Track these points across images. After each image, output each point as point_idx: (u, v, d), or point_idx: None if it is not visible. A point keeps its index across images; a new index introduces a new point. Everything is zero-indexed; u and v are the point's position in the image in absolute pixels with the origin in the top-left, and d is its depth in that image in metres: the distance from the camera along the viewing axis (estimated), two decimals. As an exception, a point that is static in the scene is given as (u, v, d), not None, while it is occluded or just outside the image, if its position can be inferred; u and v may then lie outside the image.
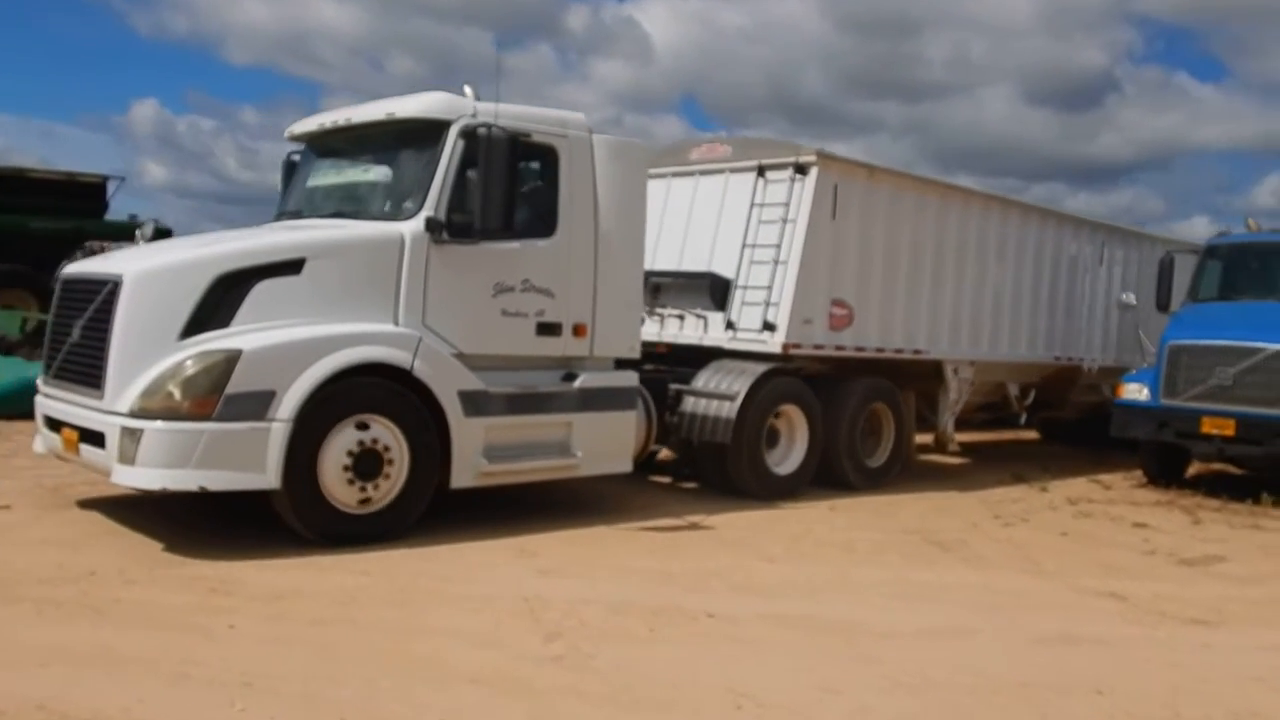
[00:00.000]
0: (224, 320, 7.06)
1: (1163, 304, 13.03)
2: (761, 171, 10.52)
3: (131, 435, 6.67)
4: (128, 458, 6.71)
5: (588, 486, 9.09)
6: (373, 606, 5.92)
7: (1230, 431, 11.20)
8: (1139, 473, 12.81)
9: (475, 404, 7.81)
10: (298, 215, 8.67)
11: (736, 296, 10.41)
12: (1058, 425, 16.14)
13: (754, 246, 10.39)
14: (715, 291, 10.54)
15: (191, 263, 7.13)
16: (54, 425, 7.57)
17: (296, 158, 9.33)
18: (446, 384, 7.64)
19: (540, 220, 8.23)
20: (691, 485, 10.49)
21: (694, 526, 8.56)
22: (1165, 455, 12.45)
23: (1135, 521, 9.78)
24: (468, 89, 8.63)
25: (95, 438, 6.99)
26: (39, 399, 7.89)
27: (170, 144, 71.78)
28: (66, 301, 7.58)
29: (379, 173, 8.38)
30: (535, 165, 8.20)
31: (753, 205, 10.48)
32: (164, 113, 71.83)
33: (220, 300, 7.06)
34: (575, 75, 72.93)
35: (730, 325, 10.38)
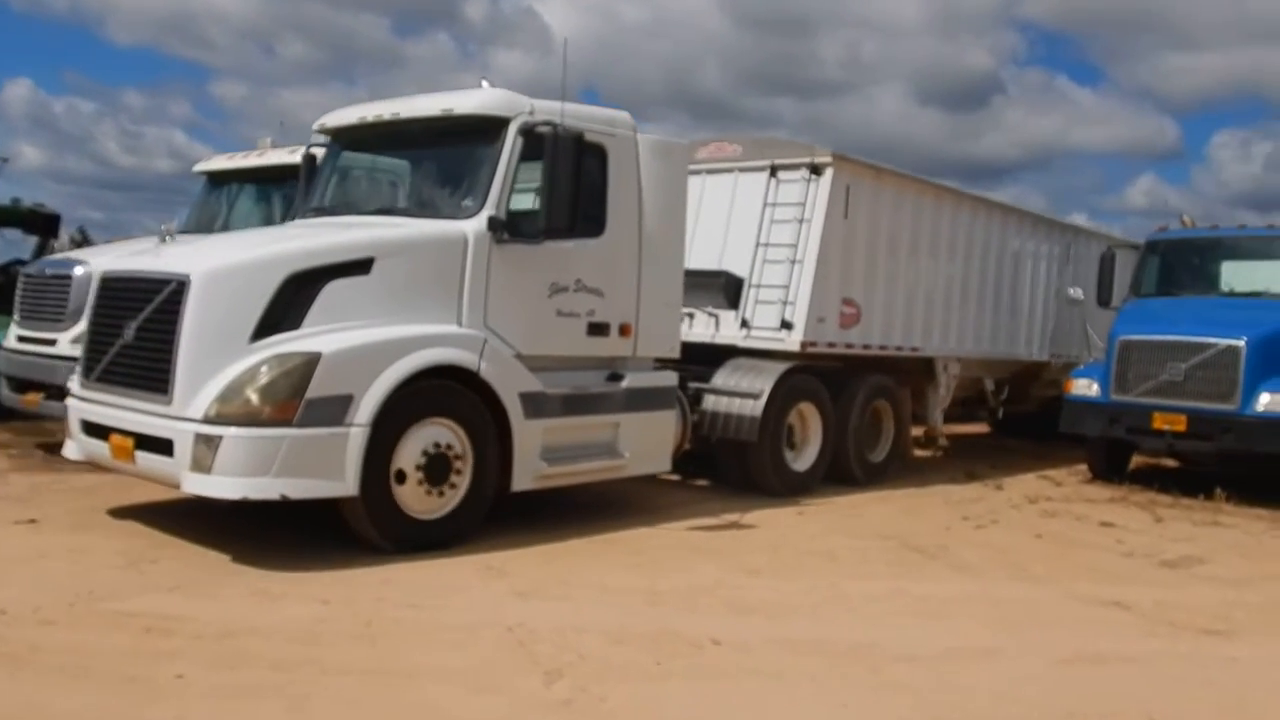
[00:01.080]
0: (295, 321, 6.84)
1: (1104, 299, 13.06)
2: (774, 171, 10.62)
3: (208, 442, 6.40)
4: (203, 466, 6.44)
5: (545, 491, 8.21)
6: (339, 643, 5.28)
7: (1181, 427, 11.15)
8: (1083, 467, 12.85)
9: (535, 405, 7.72)
10: (332, 212, 8.42)
11: (750, 295, 10.49)
12: (1009, 419, 16.68)
13: (767, 245, 10.49)
14: (729, 290, 10.60)
15: (262, 262, 6.87)
16: (97, 431, 7.21)
17: (318, 151, 9.06)
18: (509, 385, 7.54)
19: (591, 219, 8.16)
20: (662, 482, 10.02)
21: (665, 535, 8.13)
22: (1113, 451, 12.48)
23: (1102, 520, 9.72)
24: (485, 82, 8.55)
25: (158, 445, 6.68)
26: (74, 402, 7.50)
27: (46, 126, 68.47)
28: (111, 302, 7.20)
29: (431, 170, 8.19)
30: (587, 164, 8.11)
31: (765, 205, 10.57)
32: (39, 94, 68.50)
33: (291, 301, 6.83)
34: (475, 65, 72.41)
35: (745, 324, 10.46)
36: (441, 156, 8.19)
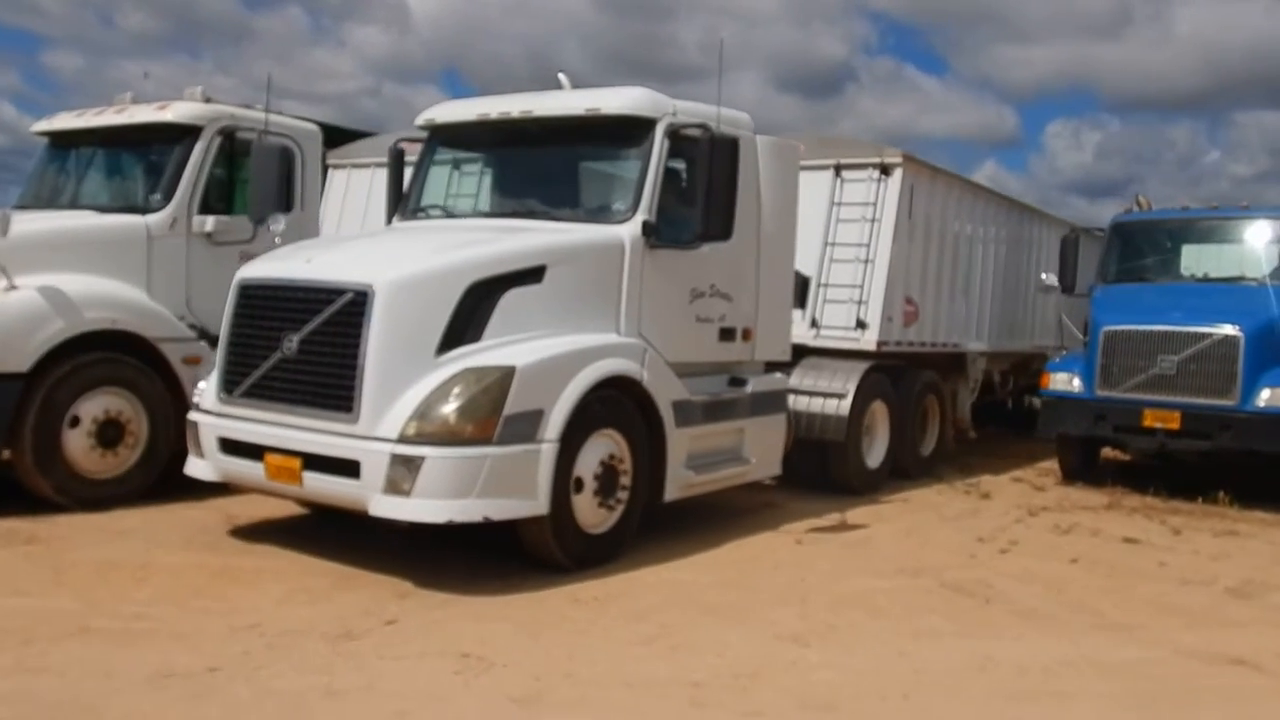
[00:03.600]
0: (476, 333, 6.54)
1: (1068, 285, 12.10)
2: (838, 170, 10.64)
3: (408, 464, 6.05)
4: (400, 488, 6.09)
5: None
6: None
7: (1175, 424, 10.33)
8: (1049, 464, 12.31)
9: (684, 414, 7.58)
10: (445, 213, 8.08)
11: (819, 294, 10.51)
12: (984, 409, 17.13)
13: (835, 245, 10.52)
14: (797, 289, 10.57)
15: (445, 271, 6.52)
16: (243, 450, 6.74)
17: (408, 145, 8.64)
18: (664, 394, 7.39)
19: (724, 223, 8.02)
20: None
21: (659, 585, 6.68)
22: (1088, 449, 11.77)
23: (1124, 537, 8.83)
24: (562, 76, 8.33)
25: (336, 465, 6.29)
26: (207, 418, 6.99)
27: None
28: (261, 312, 6.72)
29: (565, 172, 7.89)
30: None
31: (832, 204, 10.59)
32: None
33: (473, 311, 6.53)
34: (330, 40, 69.72)
35: (814, 323, 10.47)
36: (577, 157, 7.91)
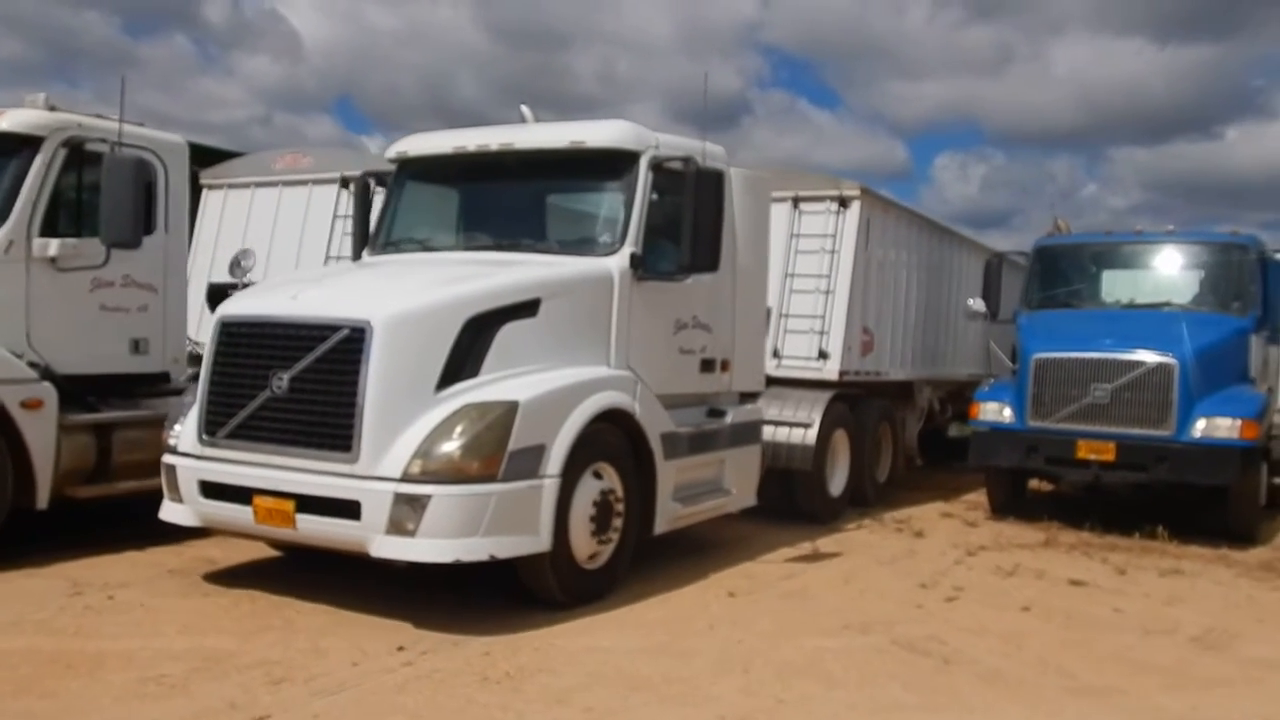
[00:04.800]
0: (474, 367, 6.43)
1: (993, 311, 11.75)
2: (796, 203, 10.78)
3: (413, 503, 5.90)
4: (404, 529, 5.93)
5: (368, 587, 6.73)
6: None
7: (1110, 456, 9.93)
8: (975, 496, 12.00)
9: (671, 445, 7.56)
10: (420, 247, 7.94)
11: (780, 325, 10.60)
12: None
13: (795, 275, 10.63)
14: (759, 320, 10.66)
15: (443, 305, 6.39)
16: (227, 494, 6.48)
17: (372, 179, 8.50)
18: (654, 426, 7.35)
19: (702, 255, 8.04)
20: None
21: (577, 653, 5.88)
22: (1019, 482, 11.52)
23: (1070, 578, 8.30)
24: (524, 108, 8.34)
25: (334, 507, 6.09)
26: (185, 461, 6.71)
27: None
28: (246, 350, 6.49)
29: (549, 205, 7.84)
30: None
31: (791, 235, 10.72)
32: None
33: (471, 345, 6.42)
34: (218, 69, 68.17)
35: (775, 353, 10.55)
36: (558, 190, 7.88)
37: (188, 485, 6.69)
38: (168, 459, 6.89)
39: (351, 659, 5.58)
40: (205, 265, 10.84)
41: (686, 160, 7.36)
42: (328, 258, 10.07)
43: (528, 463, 6.22)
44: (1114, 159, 70.79)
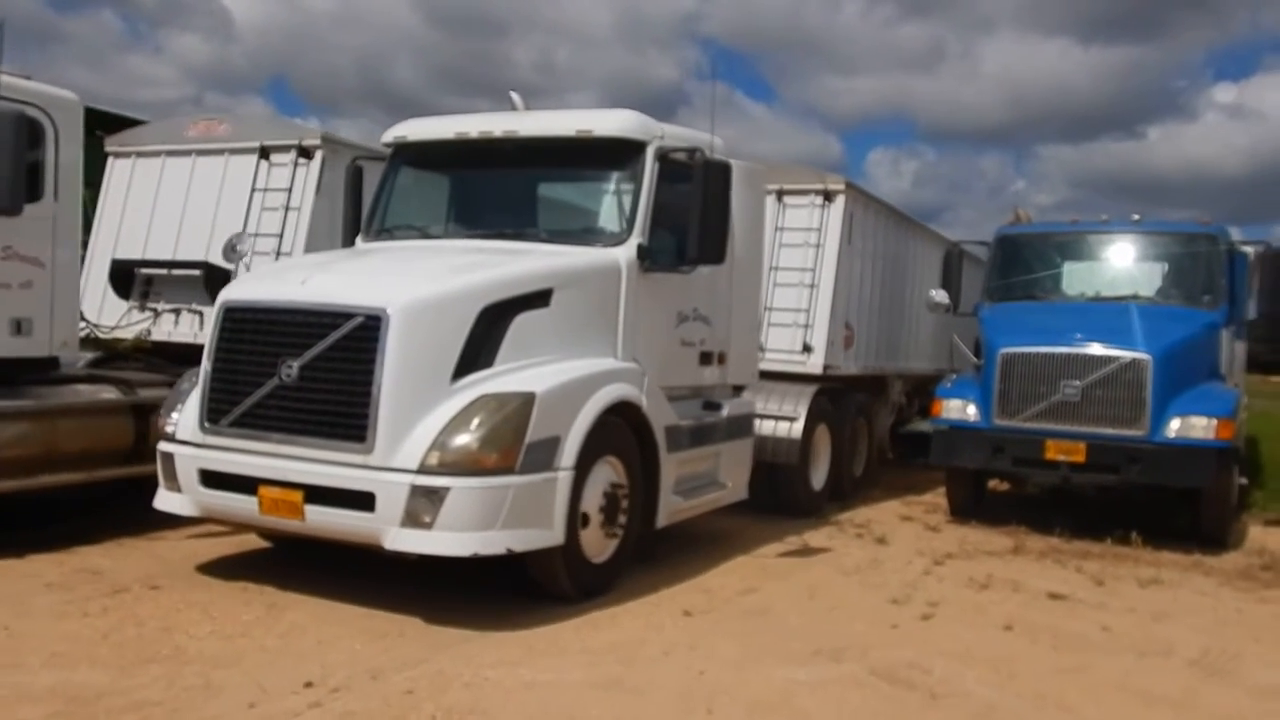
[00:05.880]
0: (489, 358, 6.33)
1: (955, 303, 11.41)
2: (780, 196, 10.78)
3: (430, 495, 5.79)
4: (421, 521, 5.82)
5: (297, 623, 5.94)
6: None
7: (1080, 457, 9.47)
8: (932, 498, 11.62)
9: (674, 439, 7.53)
10: (418, 233, 7.81)
11: (764, 318, 10.60)
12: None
13: (778, 269, 10.65)
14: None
15: (460, 294, 6.28)
16: (230, 483, 6.31)
17: (362, 164, 8.35)
18: (659, 419, 7.31)
19: (702, 247, 8.00)
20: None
21: (518, 691, 5.12)
22: (980, 483, 11.08)
23: (1048, 591, 7.75)
24: (515, 95, 8.26)
25: (345, 498, 5.96)
26: (184, 449, 6.52)
27: None
28: (252, 336, 6.31)
29: (555, 192, 7.74)
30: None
31: (776, 229, 10.72)
32: None
33: (485, 335, 6.32)
34: (147, 46, 66.39)
35: (759, 347, 10.54)
36: (562, 179, 7.79)
37: (187, 474, 6.51)
38: (165, 447, 6.69)
39: (249, 698, 4.80)
40: (110, 240, 10.04)
41: (694, 151, 7.31)
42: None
43: (544, 455, 6.15)
44: (1041, 156, 72.30)
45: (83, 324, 8.68)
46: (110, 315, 9.68)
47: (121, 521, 7.94)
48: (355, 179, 8.30)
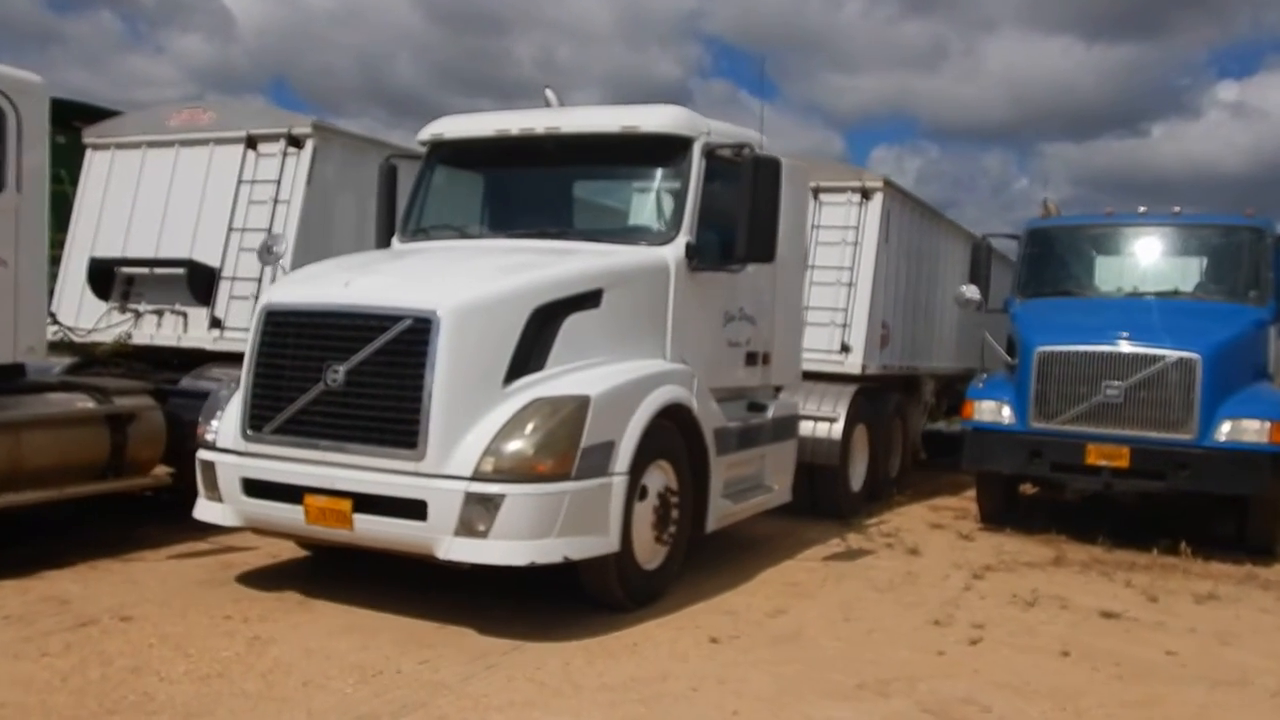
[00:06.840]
0: (540, 360, 6.13)
1: (985, 298, 10.77)
2: (816, 193, 10.58)
3: (485, 503, 5.60)
4: (475, 530, 5.62)
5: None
6: None
7: (1124, 462, 8.96)
8: (960, 502, 11.28)
9: (723, 441, 7.34)
10: (457, 233, 7.62)
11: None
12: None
13: (815, 267, 10.44)
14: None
15: (510, 295, 6.08)
16: (275, 492, 6.12)
17: (397, 162, 8.17)
18: (708, 421, 7.11)
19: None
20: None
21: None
22: (1012, 488, 10.56)
23: (1100, 610, 7.21)
24: (549, 92, 8.08)
25: (396, 506, 5.77)
26: (226, 458, 6.33)
27: None
28: (296, 341, 6.12)
29: (600, 190, 7.55)
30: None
31: (812, 226, 10.52)
32: None
33: (537, 337, 6.12)
34: (147, 47, 66.33)
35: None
36: (606, 176, 7.61)
37: (229, 483, 6.32)
38: (205, 455, 6.50)
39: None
40: (88, 237, 9.55)
41: (742, 147, 7.14)
42: (231, 229, 8.88)
43: (600, 460, 5.96)
44: (1045, 154, 72.15)
45: (55, 327, 8.21)
46: (89, 317, 9.21)
47: (96, 542, 7.45)
48: (389, 178, 8.11)
